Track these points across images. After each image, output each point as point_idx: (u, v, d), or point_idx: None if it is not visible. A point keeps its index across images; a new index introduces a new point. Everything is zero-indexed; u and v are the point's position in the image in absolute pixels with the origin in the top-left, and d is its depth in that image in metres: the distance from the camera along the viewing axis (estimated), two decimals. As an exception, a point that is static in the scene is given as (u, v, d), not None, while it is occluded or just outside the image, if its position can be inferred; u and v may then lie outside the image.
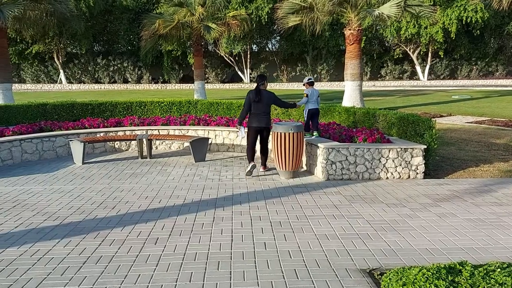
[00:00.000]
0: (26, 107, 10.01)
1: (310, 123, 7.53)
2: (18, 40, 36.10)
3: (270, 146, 7.31)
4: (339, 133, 7.36)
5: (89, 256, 3.83)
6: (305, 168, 7.37)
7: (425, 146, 6.62)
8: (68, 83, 39.07)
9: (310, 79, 7.63)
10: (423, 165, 6.64)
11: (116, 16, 38.13)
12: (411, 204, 5.30)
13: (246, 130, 7.16)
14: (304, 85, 7.65)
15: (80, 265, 3.63)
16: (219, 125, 9.43)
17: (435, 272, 3.06)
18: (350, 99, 14.86)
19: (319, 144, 6.70)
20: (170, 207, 5.26)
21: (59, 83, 39.41)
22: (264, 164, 7.22)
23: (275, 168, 7.35)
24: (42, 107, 10.15)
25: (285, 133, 6.51)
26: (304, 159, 7.34)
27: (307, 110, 7.55)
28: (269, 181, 6.59)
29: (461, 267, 3.21)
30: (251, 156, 6.96)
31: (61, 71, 38.55)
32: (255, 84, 6.81)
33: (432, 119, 6.50)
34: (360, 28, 14.51)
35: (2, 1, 13.67)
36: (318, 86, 37.52)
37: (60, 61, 38.23)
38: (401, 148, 6.59)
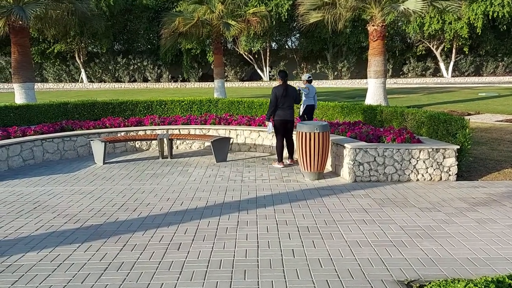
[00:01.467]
0: (48, 107, 10.03)
1: (306, 117, 8.29)
2: (41, 40, 36.74)
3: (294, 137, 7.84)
4: (366, 132, 7.10)
5: (110, 262, 3.69)
6: (330, 169, 7.14)
7: (458, 147, 6.30)
8: (89, 82, 39.59)
9: (310, 77, 8.57)
10: (456, 166, 6.32)
11: (136, 15, 38.41)
12: (445, 209, 5.01)
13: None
14: (303, 82, 8.36)
15: (101, 272, 3.50)
16: (241, 124, 9.26)
17: (483, 286, 2.80)
18: (374, 97, 14.49)
19: (345, 144, 6.45)
20: (192, 210, 5.11)
21: (80, 82, 39.97)
22: (291, 157, 7.58)
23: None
24: (64, 107, 10.16)
25: (310, 133, 6.29)
26: (329, 159, 7.10)
27: (304, 106, 8.22)
28: (293, 182, 6.38)
29: (510, 281, 2.94)
30: (281, 153, 7.37)
31: (82, 70, 39.08)
32: (276, 81, 6.89)
33: (466, 117, 6.19)
34: (384, 24, 14.12)
35: (24, 0, 13.80)
36: (339, 83, 37.03)
37: (81, 60, 38.75)
38: (433, 149, 6.29)
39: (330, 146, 6.80)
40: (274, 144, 8.58)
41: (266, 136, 8.71)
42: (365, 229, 4.38)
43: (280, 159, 7.41)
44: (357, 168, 6.31)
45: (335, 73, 40.09)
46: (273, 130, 7.58)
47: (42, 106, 9.97)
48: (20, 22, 13.45)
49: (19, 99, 13.90)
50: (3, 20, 13.38)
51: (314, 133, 6.27)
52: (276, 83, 8.02)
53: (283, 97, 7.14)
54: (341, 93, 25.33)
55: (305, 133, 6.32)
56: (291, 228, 4.45)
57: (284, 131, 7.28)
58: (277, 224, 4.55)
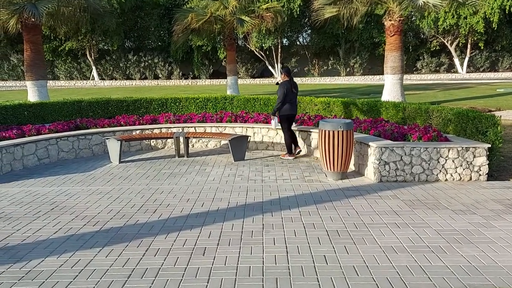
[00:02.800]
0: (62, 104, 9.94)
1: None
2: (52, 38, 36.85)
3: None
4: (390, 130, 6.85)
5: (134, 268, 3.52)
6: (353, 168, 6.92)
7: (489, 145, 6.03)
8: (100, 79, 39.67)
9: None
10: (487, 166, 6.06)
11: (147, 12, 38.34)
12: (481, 211, 4.77)
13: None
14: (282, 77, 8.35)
15: (125, 279, 3.33)
16: (257, 122, 9.08)
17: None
18: (391, 93, 14.19)
19: (370, 143, 6.23)
20: (214, 212, 4.94)
21: (91, 79, 40.09)
22: (297, 145, 7.88)
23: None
24: (78, 104, 10.06)
25: (333, 131, 6.07)
26: (352, 158, 6.88)
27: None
28: (316, 182, 6.19)
29: None
30: (290, 145, 7.71)
31: (93, 67, 39.16)
32: (278, 78, 6.98)
33: (496, 115, 5.92)
34: (402, 18, 13.79)
35: (37, -3, 13.74)
36: (351, 80, 36.61)
37: (93, 57, 38.84)
38: (462, 147, 6.03)
39: (353, 144, 6.57)
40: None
41: (278, 126, 8.50)
42: (398, 233, 4.16)
43: (290, 151, 7.81)
44: (382, 167, 6.09)
45: (347, 69, 39.66)
46: (278, 125, 7.92)
47: (56, 104, 9.88)
48: (33, 19, 13.39)
49: (32, 96, 13.86)
50: (16, 17, 13.32)
51: (338, 131, 6.05)
52: (275, 80, 8.24)
53: (291, 93, 7.57)
54: (354, 90, 25.00)
55: (328, 131, 6.11)
56: (320, 231, 4.25)
57: (290, 125, 7.68)
58: (304, 228, 4.36)
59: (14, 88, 34.08)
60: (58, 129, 8.31)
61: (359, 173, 6.64)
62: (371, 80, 36.34)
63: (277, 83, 7.84)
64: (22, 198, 5.64)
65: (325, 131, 6.14)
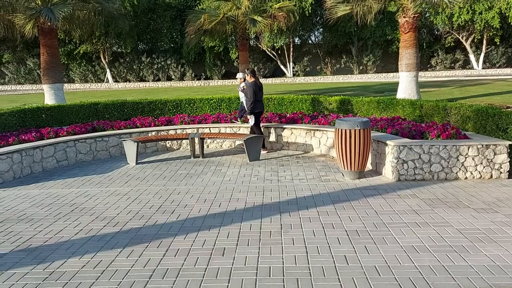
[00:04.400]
0: (79, 107, 10.06)
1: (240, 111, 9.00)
2: (67, 41, 37.36)
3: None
4: (407, 128, 6.78)
5: (155, 269, 3.55)
6: (370, 167, 6.86)
7: (511, 142, 5.91)
8: (114, 82, 40.07)
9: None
10: (508, 163, 5.95)
11: (159, 14, 38.63)
12: (504, 210, 4.68)
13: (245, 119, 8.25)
14: (241, 80, 8.93)
15: (147, 280, 3.35)
16: (272, 121, 9.07)
17: None
18: (406, 91, 14.02)
19: (388, 142, 6.17)
20: (231, 212, 4.95)
21: (105, 82, 40.52)
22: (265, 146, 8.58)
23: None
24: (94, 107, 10.18)
25: (350, 130, 6.03)
26: (369, 157, 6.82)
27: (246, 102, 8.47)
28: (333, 182, 6.15)
29: None
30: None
31: (108, 70, 39.59)
32: (249, 78, 8.14)
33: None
34: (416, 15, 13.62)
35: (53, 1, 13.93)
36: (364, 78, 36.31)
37: (107, 60, 39.26)
38: (482, 145, 5.93)
39: (371, 143, 6.52)
40: (308, 142, 8.37)
41: (300, 134, 8.49)
42: (419, 233, 4.11)
43: (264, 145, 8.50)
44: (401, 166, 6.02)
45: (361, 68, 39.38)
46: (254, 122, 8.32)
47: (73, 107, 10.00)
48: (49, 24, 13.58)
49: (49, 100, 14.06)
50: (32, 22, 13.53)
51: (355, 130, 6.01)
52: (242, 84, 8.53)
53: (260, 91, 8.15)
54: (368, 88, 24.79)
55: (345, 130, 6.06)
56: (339, 231, 4.22)
57: (259, 121, 8.32)
58: (323, 228, 4.33)
59: (30, 92, 34.63)
60: (76, 132, 8.42)
61: (377, 172, 6.60)
62: (384, 77, 36.02)
63: (243, 89, 8.48)
64: (42, 200, 5.73)
65: (341, 130, 6.10)
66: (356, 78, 36.70)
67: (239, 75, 9.25)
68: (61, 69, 14.41)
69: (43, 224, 4.76)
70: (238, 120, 9.18)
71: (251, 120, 8.29)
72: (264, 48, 38.97)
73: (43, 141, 7.70)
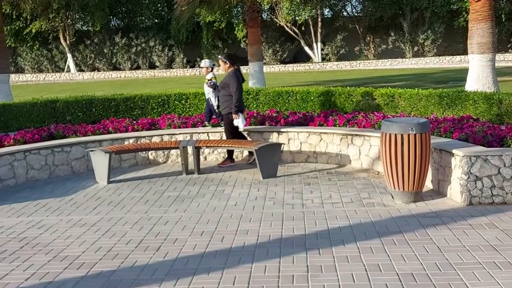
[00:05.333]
0: (30, 106, 10.21)
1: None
2: (14, 17, 37.92)
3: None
4: (481, 132, 6.78)
5: (134, 327, 3.57)
6: (430, 186, 6.86)
7: None
8: (78, 71, 40.62)
9: (214, 64, 9.85)
10: None
11: (139, -21, 39.22)
12: None
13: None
14: (207, 70, 9.38)
15: None
16: (294, 124, 9.11)
17: None
18: (479, 80, 13.93)
19: (454, 151, 6.17)
20: (239, 249, 4.97)
21: (66, 71, 41.09)
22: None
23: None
24: (51, 105, 10.31)
25: (402, 135, 6.03)
26: (428, 173, 6.80)
27: (216, 97, 9.11)
28: (378, 207, 6.15)
29: None
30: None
31: (69, 55, 40.14)
32: (226, 67, 8.55)
33: None
34: (492, -25, 13.59)
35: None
36: (421, 62, 36.24)
37: (68, 42, 39.82)
38: None
39: (430, 153, 6.51)
40: (343, 152, 8.38)
41: (332, 140, 8.50)
42: (501, 277, 4.08)
43: (232, 156, 8.86)
44: (473, 184, 6.01)
45: (415, 49, 39.29)
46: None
47: (23, 106, 10.15)
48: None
49: (-10, 96, 14.29)
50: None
51: (409, 134, 6.00)
52: (209, 75, 8.64)
53: (242, 83, 8.58)
54: (425, 76, 24.78)
55: (395, 135, 6.06)
56: (389, 275, 4.22)
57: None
58: (366, 270, 4.34)
59: (-35, 86, 35.24)
60: (27, 139, 8.54)
61: (439, 193, 6.57)
62: (448, 62, 35.90)
63: (214, 85, 9.01)
64: (-19, 233, 5.79)
65: (390, 135, 6.10)
66: (409, 63, 36.62)
67: (205, 63, 9.50)
68: (6, 54, 14.69)
69: (-17, 265, 4.82)
70: (206, 123, 9.42)
71: (240, 121, 8.41)
72: (282, 24, 39.16)
73: (-18, 153, 7.81)
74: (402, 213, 5.86)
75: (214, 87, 9.05)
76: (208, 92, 9.29)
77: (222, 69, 8.70)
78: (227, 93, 8.47)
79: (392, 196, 6.42)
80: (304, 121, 9.12)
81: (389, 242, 4.95)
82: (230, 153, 8.80)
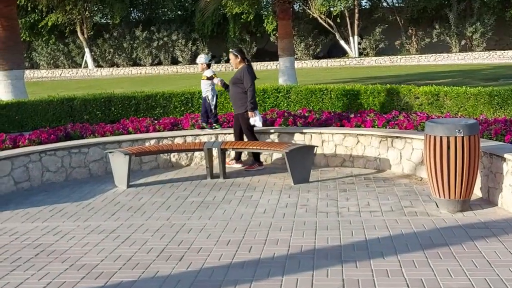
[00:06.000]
0: (46, 104, 10.39)
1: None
2: (29, 9, 38.63)
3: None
4: (537, 135, 6.65)
5: None
6: (479, 194, 6.78)
7: None
8: (96, 66, 41.17)
9: (211, 60, 10.02)
10: None
11: (161, -32, 39.59)
12: None
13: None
14: (204, 66, 9.35)
15: None
16: (328, 124, 9.08)
17: None
18: (534, 78, 13.72)
19: (506, 155, 6.10)
20: (268, 260, 4.97)
21: (84, 67, 41.69)
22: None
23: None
24: (68, 104, 10.49)
25: (448, 138, 5.96)
26: (477, 179, 6.72)
27: (215, 96, 9.35)
28: (421, 216, 6.10)
29: None
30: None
31: (87, 50, 40.69)
32: (236, 62, 8.68)
33: None
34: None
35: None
36: (468, 57, 35.77)
37: (85, 36, 40.37)
38: None
39: (480, 158, 6.42)
40: (383, 155, 8.34)
41: (370, 143, 8.45)
42: (558, 297, 3.99)
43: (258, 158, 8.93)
44: (527, 193, 5.91)
45: (462, 43, 38.79)
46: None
47: (39, 104, 10.34)
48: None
49: (4, 93, 14.55)
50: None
51: (456, 137, 5.93)
52: (207, 71, 8.58)
53: (254, 80, 8.64)
54: (474, 73, 24.42)
55: (440, 137, 6.00)
56: (433, 292, 4.16)
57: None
58: (408, 286, 4.31)
59: (-22, 82, 36.02)
60: (42, 140, 8.69)
61: (489, 202, 6.50)
62: (499, 57, 35.35)
63: (212, 78, 9.14)
64: (-6, 239, 5.92)
65: (435, 137, 6.04)
66: (455, 59, 36.16)
67: (200, 59, 9.47)
68: (21, 49, 14.95)
69: (-4, 273, 4.92)
70: (204, 125, 9.48)
71: (257, 119, 8.53)
72: (315, 15, 39.08)
73: (-4, 154, 7.98)
74: (447, 223, 5.79)
75: (212, 77, 9.18)
76: (206, 90, 9.33)
77: (233, 64, 8.79)
78: (240, 90, 8.57)
79: (437, 205, 6.35)
80: (340, 121, 9.08)
81: (434, 256, 4.89)
82: (256, 155, 8.84)
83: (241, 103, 8.54)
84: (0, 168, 7.87)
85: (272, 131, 9.20)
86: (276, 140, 9.11)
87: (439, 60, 35.88)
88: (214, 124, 9.38)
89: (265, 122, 9.45)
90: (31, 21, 40.30)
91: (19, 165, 8.10)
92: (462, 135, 5.93)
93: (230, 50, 8.89)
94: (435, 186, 6.20)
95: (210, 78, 9.23)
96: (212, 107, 9.33)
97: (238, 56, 8.69)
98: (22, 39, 39.39)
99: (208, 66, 9.47)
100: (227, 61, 41.59)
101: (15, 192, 7.98)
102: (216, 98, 9.46)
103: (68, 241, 5.73)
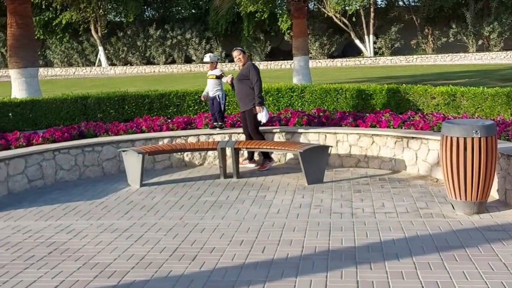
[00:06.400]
0: (60, 102, 10.45)
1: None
2: (43, 7, 38.90)
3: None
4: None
5: None
6: (496, 196, 6.74)
7: None
8: (109, 65, 41.38)
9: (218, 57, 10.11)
10: None
11: (175, -34, 39.71)
12: None
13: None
14: (213, 65, 9.39)
15: None
16: (342, 124, 9.06)
17: None
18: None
19: (524, 157, 6.01)
20: (281, 261, 4.97)
21: (97, 65, 41.93)
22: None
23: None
24: (82, 102, 10.54)
25: (465, 139, 5.92)
26: (494, 181, 6.67)
27: (224, 95, 9.43)
28: (437, 217, 6.07)
29: None
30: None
31: (100, 48, 40.91)
32: (244, 59, 8.68)
33: None
34: None
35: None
36: (485, 57, 35.56)
37: (99, 34, 40.59)
38: None
39: (497, 159, 6.37)
40: (398, 156, 8.32)
41: (385, 143, 8.42)
42: None
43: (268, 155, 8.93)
44: (545, 195, 5.85)
45: (479, 42, 38.52)
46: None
47: (53, 102, 10.40)
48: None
49: (18, 91, 14.66)
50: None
51: (473, 138, 5.89)
52: (216, 70, 8.62)
53: None
54: (491, 73, 24.24)
55: (457, 138, 5.96)
56: (448, 295, 4.14)
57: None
58: (423, 288, 4.27)
59: (-8, 80, 36.38)
60: (56, 138, 8.75)
61: (506, 204, 6.45)
62: (517, 58, 35.07)
63: (222, 77, 9.21)
64: (8, 237, 5.96)
65: (451, 138, 6.01)
66: (472, 59, 35.94)
67: (212, 57, 9.48)
68: (35, 47, 15.05)
69: (9, 272, 4.94)
70: (218, 124, 9.45)
71: (264, 114, 8.58)
72: (330, 14, 39.00)
73: (9, 152, 8.05)
74: (464, 225, 5.76)
75: (221, 76, 9.25)
76: (217, 90, 9.32)
77: (242, 60, 8.75)
78: (247, 86, 8.62)
79: (453, 207, 6.32)
80: (354, 121, 9.06)
81: (449, 258, 4.86)
82: (265, 152, 8.83)
83: (249, 99, 8.59)
84: (14, 166, 7.94)
85: (286, 131, 9.20)
86: (290, 140, 9.10)
87: (455, 60, 35.68)
88: (220, 124, 9.41)
89: (279, 122, 9.47)
90: (45, 19, 40.60)
91: (33, 163, 8.16)
92: (479, 136, 5.90)
93: (238, 48, 8.88)
94: (451, 188, 6.17)
95: (219, 77, 9.24)
96: (222, 106, 9.38)
97: (244, 54, 8.77)
98: (36, 37, 39.73)
99: (216, 65, 9.51)
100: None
101: (29, 190, 8.04)
102: (225, 98, 9.52)
103: (81, 240, 5.77)
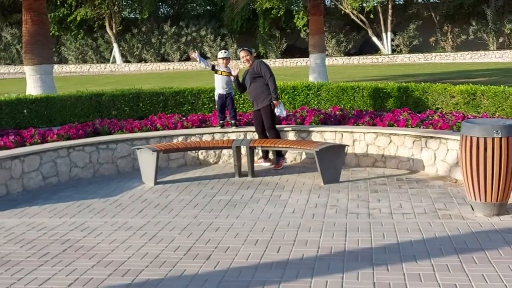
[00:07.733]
0: (75, 99, 10.52)
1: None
2: (58, 3, 39.19)
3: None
4: None
5: None
6: (516, 198, 6.65)
7: None
8: (124, 62, 41.54)
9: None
10: None
11: (191, -38, 39.79)
12: None
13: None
14: (225, 62, 9.34)
15: None
16: (359, 123, 9.04)
17: None
18: None
19: (546, 157, 5.95)
20: (297, 261, 4.97)
21: (112, 62, 42.10)
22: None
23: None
24: (96, 99, 10.59)
25: (485, 139, 5.88)
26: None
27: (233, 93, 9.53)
28: (456, 219, 6.03)
29: None
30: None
31: (115, 45, 41.09)
32: (252, 58, 8.81)
33: None
34: None
35: None
36: (507, 56, 35.17)
37: (114, 31, 40.77)
38: None
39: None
40: (416, 156, 8.28)
41: (403, 143, 8.38)
42: None
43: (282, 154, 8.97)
44: None
45: (500, 40, 38.19)
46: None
47: (67, 99, 10.47)
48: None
49: (33, 88, 14.77)
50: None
51: (493, 138, 5.85)
52: (227, 68, 8.74)
53: None
54: (512, 72, 24.00)
55: (477, 138, 5.92)
56: (468, 298, 4.12)
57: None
58: (442, 291, 4.25)
59: (6, 76, 36.81)
60: (70, 135, 8.82)
61: (527, 206, 6.38)
62: (539, 57, 34.72)
63: (234, 76, 9.04)
64: (22, 234, 6.02)
65: (471, 138, 5.97)
66: (492, 56, 35.62)
67: (223, 54, 9.46)
68: (50, 44, 15.17)
69: (24, 269, 5.00)
70: (233, 122, 9.47)
71: (281, 108, 8.72)
72: (347, 11, 38.86)
73: (24, 149, 8.13)
74: (483, 227, 5.72)
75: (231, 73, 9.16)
76: (230, 87, 9.35)
77: (250, 60, 8.83)
78: (261, 83, 8.65)
79: (472, 208, 6.27)
80: (371, 120, 9.03)
81: (468, 260, 4.83)
82: (278, 151, 8.84)
83: (265, 96, 8.62)
84: (28, 163, 8.01)
85: (301, 129, 9.19)
86: (306, 139, 9.09)
87: (475, 58, 35.39)
88: (234, 121, 9.46)
89: (295, 120, 9.46)
90: (60, 15, 40.86)
91: (47, 160, 8.23)
92: (500, 136, 5.84)
93: (245, 48, 8.88)
94: (470, 189, 6.12)
95: (231, 74, 9.20)
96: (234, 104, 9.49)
97: (252, 52, 8.91)
98: (51, 34, 40.02)
99: (227, 61, 9.46)
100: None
101: (43, 187, 8.11)
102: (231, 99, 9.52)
103: (95, 237, 5.81)
